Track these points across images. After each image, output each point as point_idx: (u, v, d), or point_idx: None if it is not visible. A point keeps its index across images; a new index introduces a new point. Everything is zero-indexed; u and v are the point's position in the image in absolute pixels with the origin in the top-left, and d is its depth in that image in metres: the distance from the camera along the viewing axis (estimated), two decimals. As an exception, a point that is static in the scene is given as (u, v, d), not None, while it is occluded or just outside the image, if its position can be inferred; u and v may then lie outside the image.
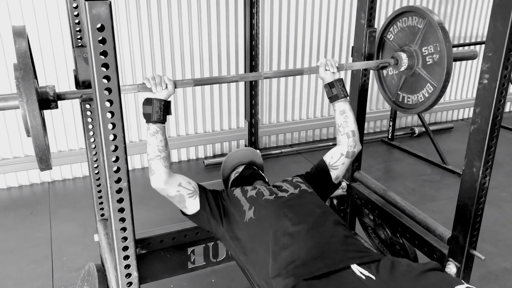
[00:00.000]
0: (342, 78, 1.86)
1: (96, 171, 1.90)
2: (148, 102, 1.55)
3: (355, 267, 1.40)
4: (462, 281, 1.33)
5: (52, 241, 2.81)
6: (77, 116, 3.48)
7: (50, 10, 3.18)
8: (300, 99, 4.26)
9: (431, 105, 1.92)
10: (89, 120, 1.82)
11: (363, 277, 1.36)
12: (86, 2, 0.90)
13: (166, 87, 1.56)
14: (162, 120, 1.58)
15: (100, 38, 0.94)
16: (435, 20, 1.81)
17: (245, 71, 3.84)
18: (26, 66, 1.29)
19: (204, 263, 2.17)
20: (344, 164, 1.88)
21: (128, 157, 1.20)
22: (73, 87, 3.27)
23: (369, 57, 2.08)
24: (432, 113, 4.98)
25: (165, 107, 1.58)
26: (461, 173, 3.68)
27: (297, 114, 4.31)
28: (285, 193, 1.71)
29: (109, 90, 0.99)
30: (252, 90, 3.85)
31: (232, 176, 2.03)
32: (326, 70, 1.83)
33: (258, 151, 2.22)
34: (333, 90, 1.85)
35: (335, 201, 2.40)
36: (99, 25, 0.93)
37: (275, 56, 4.01)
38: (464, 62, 4.90)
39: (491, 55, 1.44)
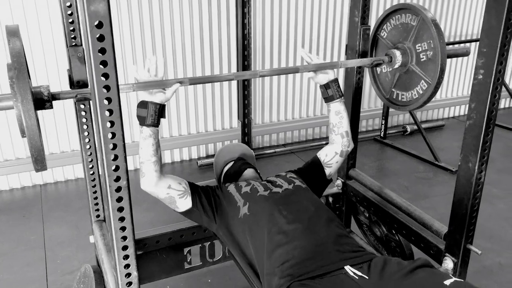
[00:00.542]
0: (337, 79, 1.87)
1: (91, 172, 1.89)
2: (143, 105, 1.54)
3: (348, 268, 1.41)
4: (451, 275, 1.34)
5: (45, 244, 2.78)
6: (69, 117, 3.45)
7: (40, 9, 3.15)
8: (292, 98, 4.27)
9: (425, 102, 1.93)
10: (84, 120, 1.80)
11: (356, 277, 1.37)
12: (84, -1, 0.89)
13: (164, 90, 1.55)
14: (156, 124, 1.57)
15: (98, 35, 0.93)
16: (428, 17, 1.82)
17: (237, 71, 3.83)
18: (21, 66, 1.27)
19: (201, 263, 2.16)
20: (337, 163, 1.90)
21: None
22: (64, 87, 3.27)
23: (363, 55, 2.09)
24: (424, 111, 5.01)
25: (160, 111, 1.56)
26: (453, 170, 3.74)
27: (289, 113, 4.32)
28: (279, 188, 1.72)
29: (107, 87, 0.98)
30: (245, 90, 3.85)
31: (224, 171, 2.03)
32: (315, 72, 1.84)
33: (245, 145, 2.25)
34: (329, 91, 1.86)
35: (330, 199, 2.41)
36: (97, 22, 0.92)
37: (267, 56, 4.01)
38: (454, 61, 4.94)
39: (485, 50, 1.46)
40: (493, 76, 1.45)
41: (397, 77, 2.02)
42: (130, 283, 1.17)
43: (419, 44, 1.88)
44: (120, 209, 1.08)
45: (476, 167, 1.56)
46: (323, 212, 1.65)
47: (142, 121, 1.54)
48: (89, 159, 1.87)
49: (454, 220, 1.69)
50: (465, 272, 1.74)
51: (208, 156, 4.07)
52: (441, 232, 1.79)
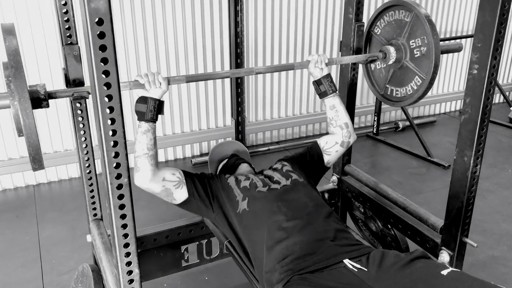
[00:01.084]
0: (329, 74, 1.87)
1: (88, 171, 1.88)
2: (142, 100, 1.55)
3: (347, 261, 1.42)
4: (447, 265, 1.36)
5: (40, 245, 2.76)
6: (62, 117, 3.43)
7: (31, 8, 3.12)
8: (286, 96, 4.28)
9: (419, 97, 1.94)
10: (80, 119, 1.79)
11: (355, 270, 1.38)
12: (85, -4, 0.89)
13: (160, 85, 1.56)
14: (154, 119, 1.58)
15: (99, 32, 0.93)
16: (422, 13, 1.83)
17: (230, 69, 3.83)
18: (18, 64, 1.26)
19: (198, 260, 2.17)
20: (337, 152, 1.90)
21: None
22: (56, 86, 3.24)
23: (357, 51, 2.10)
24: (415, 108, 5.05)
25: (159, 107, 1.58)
26: (446, 165, 3.77)
27: (283, 111, 4.33)
28: (277, 184, 1.73)
29: (108, 85, 0.98)
30: (238, 87, 3.83)
31: (219, 169, 2.04)
32: (315, 66, 1.84)
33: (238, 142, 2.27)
34: (321, 87, 1.86)
35: (326, 195, 2.42)
36: (97, 19, 0.92)
37: (260, 53, 4.01)
38: (444, 57, 4.98)
39: (480, 45, 1.47)
40: (487, 71, 1.46)
41: (391, 73, 2.03)
42: (131, 281, 1.17)
43: (413, 40, 1.90)
44: (122, 207, 1.08)
45: (472, 161, 1.58)
46: (321, 207, 1.67)
47: (141, 116, 1.55)
48: (86, 158, 1.86)
49: (450, 214, 1.71)
50: (461, 265, 1.76)
51: (202, 155, 4.07)
52: (437, 226, 1.81)
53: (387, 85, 2.07)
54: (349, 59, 2.01)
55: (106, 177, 1.05)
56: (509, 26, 5.07)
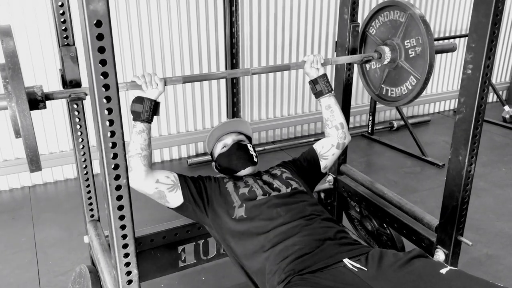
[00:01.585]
0: (325, 74, 1.88)
1: (85, 172, 1.88)
2: (138, 100, 1.56)
3: (346, 261, 1.43)
4: (445, 264, 1.37)
5: (36, 246, 2.76)
6: (57, 119, 3.43)
7: (26, 10, 3.11)
8: (281, 96, 4.29)
9: (414, 97, 1.96)
10: (77, 120, 1.79)
11: (355, 269, 1.39)
12: (83, -2, 0.90)
13: (157, 86, 1.56)
14: (150, 120, 1.59)
15: (97, 34, 0.94)
16: (416, 14, 1.85)
17: (226, 69, 3.83)
18: (15, 66, 1.27)
19: (195, 261, 2.17)
20: (334, 155, 1.91)
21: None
22: (52, 87, 3.23)
23: (352, 52, 2.11)
24: (410, 107, 5.08)
25: (155, 107, 1.59)
26: (440, 164, 3.80)
27: (278, 111, 4.34)
28: (277, 192, 1.72)
29: (106, 87, 0.98)
30: (233, 87, 3.84)
31: (218, 149, 1.92)
32: (311, 66, 1.85)
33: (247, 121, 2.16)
34: (317, 87, 1.87)
35: (322, 195, 2.43)
36: (96, 21, 0.93)
37: (255, 54, 4.02)
38: (438, 57, 5.01)
39: (474, 45, 1.49)
40: (481, 71, 1.48)
41: (386, 73, 2.05)
42: (130, 281, 1.18)
43: (408, 41, 1.92)
44: (120, 208, 1.09)
45: (466, 160, 1.60)
46: (320, 212, 1.67)
47: (136, 116, 1.56)
48: (83, 159, 1.86)
49: (445, 213, 1.73)
50: (456, 263, 1.78)
51: (198, 155, 4.07)
52: (432, 225, 1.82)
53: (382, 85, 2.09)
54: (345, 59, 2.03)
55: (105, 178, 1.05)
56: (502, 26, 5.11)
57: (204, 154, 4.06)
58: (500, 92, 5.57)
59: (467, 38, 1.53)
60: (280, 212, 1.62)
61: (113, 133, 1.03)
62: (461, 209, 1.67)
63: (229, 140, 1.90)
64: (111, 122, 1.02)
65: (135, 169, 1.59)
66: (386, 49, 1.97)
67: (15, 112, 1.28)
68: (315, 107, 4.48)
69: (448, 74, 5.23)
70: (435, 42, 1.88)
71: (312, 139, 4.29)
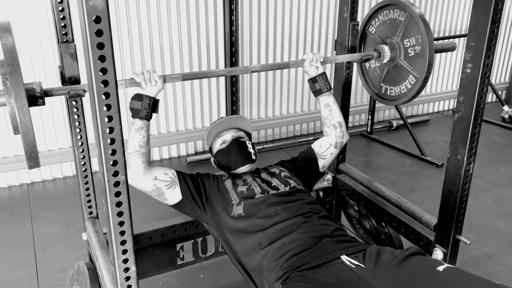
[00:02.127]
0: (325, 72, 1.89)
1: (84, 169, 1.88)
2: (138, 97, 1.56)
3: (344, 258, 1.43)
4: (442, 261, 1.38)
5: (34, 243, 2.76)
6: (56, 116, 3.42)
7: (25, 6, 3.11)
8: (280, 95, 4.29)
9: (413, 96, 1.96)
10: (76, 116, 1.79)
11: (353, 266, 1.39)
12: (82, -6, 0.90)
13: (156, 83, 1.57)
14: (149, 117, 1.59)
15: (96, 30, 0.93)
16: (416, 13, 1.85)
17: (225, 67, 3.83)
18: (14, 62, 1.26)
19: (193, 258, 2.17)
20: (332, 154, 1.92)
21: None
22: (51, 85, 3.22)
23: (352, 50, 2.11)
24: (409, 106, 5.08)
25: (154, 105, 1.59)
26: (439, 164, 3.80)
27: (277, 109, 4.34)
28: (275, 190, 1.72)
29: (105, 83, 0.98)
30: (233, 86, 3.84)
31: (217, 145, 1.91)
32: (310, 65, 1.85)
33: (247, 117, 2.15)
34: (316, 85, 1.87)
35: (321, 193, 2.43)
36: (95, 17, 0.92)
37: (254, 52, 4.02)
38: (437, 57, 5.02)
39: (473, 44, 1.49)
40: (481, 70, 1.48)
41: (385, 72, 2.05)
42: (128, 278, 1.18)
43: (407, 40, 1.92)
44: (119, 204, 1.09)
45: (465, 159, 1.60)
46: (318, 211, 1.67)
47: (135, 113, 1.56)
48: (81, 156, 1.86)
49: (444, 212, 1.73)
50: (454, 262, 1.78)
51: (197, 153, 4.07)
52: (430, 224, 1.83)
53: (382, 84, 2.09)
54: (344, 58, 2.03)
55: (103, 175, 1.05)
56: (502, 25, 5.11)
57: (203, 152, 4.06)
58: (500, 92, 5.57)
59: (466, 38, 1.53)
60: (278, 210, 1.62)
61: (111, 129, 1.03)
62: (459, 208, 1.67)
63: (228, 137, 1.89)
64: (110, 119, 1.02)
65: (133, 166, 1.60)
66: (386, 48, 1.97)
67: (14, 109, 1.28)
68: (314, 106, 4.48)
69: (447, 74, 5.23)
70: (435, 42, 1.88)
71: (311, 138, 4.29)
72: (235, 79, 3.80)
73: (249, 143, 1.91)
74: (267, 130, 4.36)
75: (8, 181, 3.46)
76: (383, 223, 2.23)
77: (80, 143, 1.84)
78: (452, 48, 2.14)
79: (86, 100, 1.46)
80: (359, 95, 4.72)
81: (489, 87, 4.97)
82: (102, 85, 0.99)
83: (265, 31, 4.00)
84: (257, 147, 4.07)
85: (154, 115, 1.63)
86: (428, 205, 3.09)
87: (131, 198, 1.12)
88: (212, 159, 1.96)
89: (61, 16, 1.68)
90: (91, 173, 1.94)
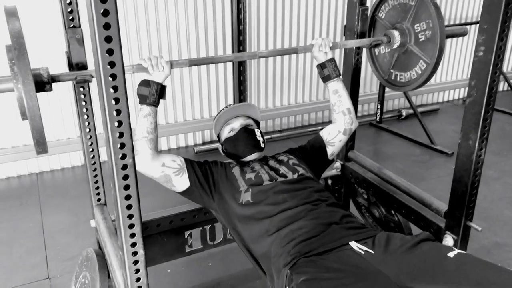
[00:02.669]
0: (333, 58, 1.86)
1: (92, 156, 1.88)
2: (145, 83, 1.55)
3: (353, 244, 1.41)
4: (453, 247, 1.36)
5: (44, 231, 2.78)
6: (64, 106, 3.43)
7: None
8: (288, 84, 4.26)
9: (424, 82, 1.93)
10: (83, 103, 1.79)
11: (362, 252, 1.38)
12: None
13: (163, 69, 1.55)
14: (156, 103, 1.58)
15: (103, 10, 0.92)
16: (427, -4, 1.82)
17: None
18: (21, 46, 1.26)
19: (202, 246, 2.17)
20: (341, 141, 1.89)
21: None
22: (59, 70, 3.21)
23: (361, 36, 2.08)
24: (418, 96, 5.03)
25: (161, 91, 1.58)
26: (449, 152, 3.76)
27: (285, 99, 4.31)
28: (283, 178, 1.71)
29: (112, 64, 0.97)
30: (240, 75, 3.81)
31: (225, 133, 1.89)
32: (319, 50, 1.83)
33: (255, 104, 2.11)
34: (325, 71, 1.85)
35: (329, 181, 2.42)
36: (101, -3, 0.91)
37: (262, 41, 3.99)
38: (448, 45, 4.95)
39: (486, 27, 1.46)
40: (493, 53, 1.45)
41: (395, 58, 2.02)
42: (136, 262, 1.17)
43: (418, 24, 1.88)
44: (127, 187, 1.08)
45: (477, 144, 1.57)
46: (326, 198, 1.66)
47: (143, 99, 1.56)
48: (89, 143, 1.86)
49: (454, 198, 1.71)
50: (465, 249, 1.76)
51: (204, 143, 4.07)
52: (441, 210, 1.81)
53: (391, 70, 2.06)
54: (353, 43, 2.00)
55: (111, 158, 1.04)
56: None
57: (211, 142, 4.05)
58: None
59: (478, 23, 1.50)
60: (286, 197, 1.61)
61: (118, 112, 1.02)
62: (470, 194, 1.65)
63: (236, 124, 1.88)
64: (117, 101, 1.01)
65: (141, 152, 1.59)
66: (396, 33, 1.94)
67: (21, 94, 1.27)
68: (323, 95, 4.45)
69: (457, 62, 5.17)
70: (446, 28, 1.85)
71: (320, 127, 4.26)
72: (243, 68, 3.77)
73: (257, 131, 1.89)
74: (275, 120, 4.34)
75: (18, 170, 3.48)
76: (392, 211, 2.21)
77: (88, 130, 1.83)
78: (463, 33, 2.10)
79: (93, 87, 1.45)
80: (368, 84, 4.68)
81: (501, 75, 4.92)
82: (108, 66, 0.98)
83: (273, 18, 3.97)
84: (265, 137, 4.09)
85: (161, 102, 1.62)
86: (437, 194, 3.03)
87: (140, 187, 1.11)
88: (220, 147, 1.95)
89: (68, 1, 1.67)
90: (99, 159, 1.94)
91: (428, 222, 1.85)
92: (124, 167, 1.06)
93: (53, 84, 1.39)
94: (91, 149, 1.86)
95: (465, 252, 1.32)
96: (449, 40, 3.88)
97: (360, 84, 4.57)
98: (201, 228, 2.13)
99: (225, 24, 3.77)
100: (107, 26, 0.94)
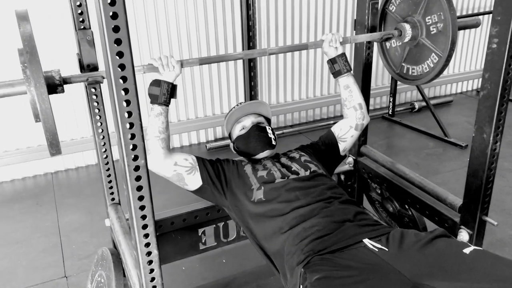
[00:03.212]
0: (344, 53, 1.85)
1: (105, 156, 1.89)
2: (156, 83, 1.56)
3: (366, 241, 1.40)
4: (469, 244, 1.34)
5: (60, 230, 2.81)
6: (77, 105, 3.46)
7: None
8: (299, 79, 4.25)
9: (436, 75, 1.91)
10: (95, 104, 1.80)
11: (376, 249, 1.37)
12: (96, -23, 0.89)
13: (174, 68, 1.56)
14: (167, 103, 1.59)
15: (112, 13, 0.93)
16: (438, -12, 1.79)
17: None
18: (33, 49, 1.27)
19: (215, 243, 2.18)
20: (353, 137, 1.88)
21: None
22: (71, 73, 3.24)
23: (372, 30, 2.06)
24: (431, 88, 4.98)
25: (172, 90, 1.59)
26: (463, 145, 3.72)
27: (296, 94, 4.30)
28: (295, 175, 1.70)
29: (122, 66, 0.97)
30: (251, 71, 3.81)
31: (237, 131, 1.89)
32: (330, 45, 1.81)
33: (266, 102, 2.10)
34: (335, 66, 1.83)
35: (342, 177, 2.41)
36: (110, 0, 0.92)
37: (272, 36, 3.98)
38: (460, 36, 4.88)
39: (499, 18, 1.43)
40: (507, 44, 1.42)
41: (407, 51, 2.00)
42: (151, 262, 1.18)
43: (429, 17, 1.86)
44: (139, 188, 1.09)
45: (491, 138, 1.55)
46: (339, 195, 1.65)
47: (154, 99, 1.56)
48: (102, 143, 1.87)
49: (469, 192, 1.69)
50: (480, 244, 1.74)
51: (216, 139, 4.08)
52: (455, 205, 1.79)
53: (403, 64, 2.04)
54: (364, 37, 1.98)
55: (123, 159, 1.05)
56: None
57: (223, 138, 4.06)
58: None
59: (491, 14, 1.47)
60: (299, 195, 1.60)
61: (130, 114, 1.02)
62: (485, 188, 1.63)
63: (247, 122, 1.88)
64: (128, 103, 1.01)
65: (153, 152, 1.60)
66: (407, 26, 1.91)
67: (34, 96, 1.28)
68: (334, 89, 4.43)
69: (470, 53, 5.09)
70: (458, 19, 1.82)
71: (331, 122, 4.24)
72: (253, 63, 3.77)
73: (269, 128, 1.88)
74: (287, 115, 4.33)
75: (33, 170, 3.53)
76: (406, 206, 2.20)
77: (100, 130, 1.85)
78: (476, 25, 2.07)
79: (105, 87, 1.46)
80: (380, 77, 4.64)
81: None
82: (119, 69, 0.98)
83: (283, 13, 3.95)
84: (276, 132, 4.08)
85: (172, 100, 1.63)
86: (452, 187, 3.04)
87: (152, 185, 1.12)
88: (232, 145, 1.95)
89: (78, 3, 1.68)
90: (112, 159, 1.95)
91: (443, 217, 1.84)
92: (137, 168, 1.07)
93: (65, 85, 1.40)
94: (104, 149, 1.88)
95: (481, 248, 1.30)
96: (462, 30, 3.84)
97: (372, 77, 4.55)
98: (214, 225, 2.13)
99: (235, 20, 3.76)
100: (116, 29, 0.94)
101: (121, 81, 0.99)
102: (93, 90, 1.79)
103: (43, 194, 3.27)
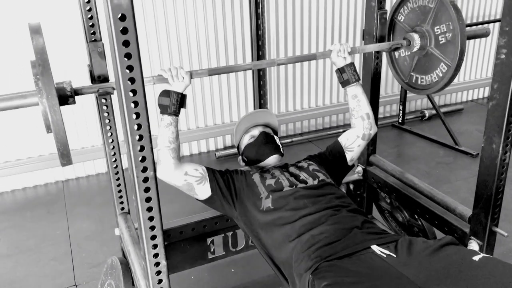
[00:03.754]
0: (353, 63, 1.85)
1: (115, 165, 1.91)
2: (165, 93, 1.58)
3: (375, 247, 1.40)
4: (478, 251, 1.33)
5: (70, 239, 2.83)
6: (88, 114, 3.50)
7: (55, 5, 3.18)
8: (308, 87, 4.25)
9: (445, 85, 1.90)
10: (106, 114, 1.82)
11: (384, 256, 1.36)
12: (107, -7, 0.91)
13: (183, 79, 1.58)
14: (177, 113, 1.61)
15: (122, 28, 0.94)
16: (447, -2, 1.79)
17: (252, 61, 3.82)
18: (45, 62, 1.29)
19: (224, 252, 2.18)
20: (359, 146, 1.88)
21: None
22: (83, 83, 3.29)
23: (380, 39, 2.07)
24: (442, 95, 4.95)
25: (181, 100, 1.60)
26: (474, 154, 3.70)
27: (306, 102, 4.31)
28: (304, 184, 1.71)
29: (132, 80, 0.99)
30: (260, 80, 3.83)
31: (245, 140, 1.94)
32: (338, 55, 1.82)
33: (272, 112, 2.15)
34: (344, 76, 1.84)
35: (351, 186, 2.40)
36: (120, 15, 0.93)
37: (281, 45, 4.00)
38: (470, 43, 4.86)
39: (508, 29, 1.43)
40: (516, 55, 1.42)
41: (416, 61, 2.00)
42: (159, 272, 1.19)
43: (438, 27, 1.86)
44: (148, 199, 1.10)
45: (501, 148, 1.54)
46: (347, 204, 1.65)
47: (164, 109, 1.58)
48: (112, 153, 1.89)
49: (479, 203, 1.68)
50: (490, 255, 1.72)
51: (226, 148, 4.09)
52: (465, 215, 1.78)
53: (412, 73, 2.04)
54: (372, 47, 1.99)
55: (132, 171, 1.06)
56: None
57: (232, 146, 4.07)
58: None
59: (500, 22, 1.47)
60: (307, 203, 1.61)
61: (139, 126, 1.04)
62: (495, 199, 1.62)
63: (256, 132, 1.91)
64: (138, 115, 1.03)
65: (164, 162, 1.61)
66: (415, 36, 1.92)
67: (45, 108, 1.31)
68: (343, 98, 4.43)
69: (482, 60, 5.06)
70: (467, 28, 1.82)
71: (341, 130, 4.23)
72: (262, 72, 3.79)
73: (276, 138, 1.92)
74: (296, 123, 4.34)
75: (44, 178, 3.56)
76: (416, 216, 2.19)
77: (110, 140, 1.87)
78: (485, 34, 2.07)
79: (115, 97, 1.49)
80: (390, 85, 4.63)
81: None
82: (129, 82, 1.00)
83: (292, 23, 3.97)
84: (285, 140, 4.11)
85: (182, 110, 1.65)
86: (463, 196, 3.02)
87: (161, 194, 1.13)
88: (240, 157, 1.97)
89: (89, 16, 1.70)
90: (122, 169, 1.97)
91: (453, 227, 1.82)
92: (146, 179, 1.08)
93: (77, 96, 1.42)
94: (113, 159, 1.90)
95: (491, 255, 1.29)
96: (471, 39, 3.82)
97: (381, 85, 4.57)
98: (223, 234, 2.14)
99: (244, 29, 3.79)
100: (126, 43, 0.96)
101: (131, 94, 1.01)
102: (103, 100, 1.81)
103: (54, 202, 3.30)
